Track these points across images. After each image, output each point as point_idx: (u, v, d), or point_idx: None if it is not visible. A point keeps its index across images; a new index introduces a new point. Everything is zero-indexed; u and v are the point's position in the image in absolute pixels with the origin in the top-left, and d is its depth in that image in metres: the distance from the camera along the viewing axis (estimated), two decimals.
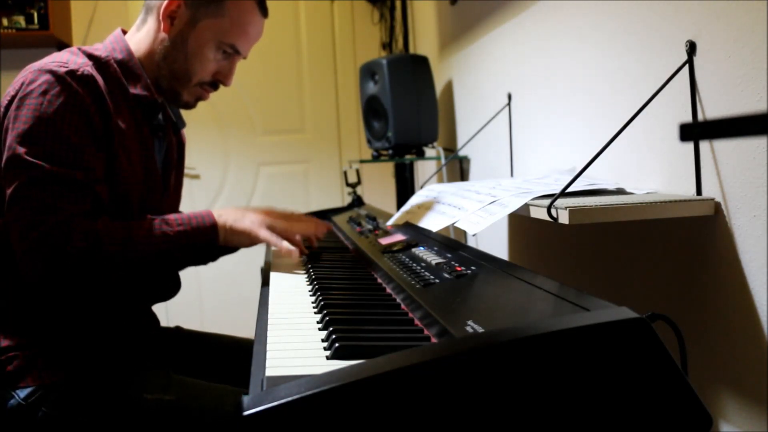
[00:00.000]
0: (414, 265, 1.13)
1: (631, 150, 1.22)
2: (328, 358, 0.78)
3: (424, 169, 2.91)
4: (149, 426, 1.10)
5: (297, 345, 0.84)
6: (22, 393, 1.10)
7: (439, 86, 2.53)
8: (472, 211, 1.16)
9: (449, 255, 1.15)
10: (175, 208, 1.44)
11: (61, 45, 2.90)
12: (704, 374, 1.06)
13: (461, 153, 2.25)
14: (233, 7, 1.26)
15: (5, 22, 2.75)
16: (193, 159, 3.28)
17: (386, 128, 2.30)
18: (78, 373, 1.14)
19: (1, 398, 1.10)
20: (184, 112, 1.45)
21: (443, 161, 2.30)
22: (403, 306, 1.00)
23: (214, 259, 1.51)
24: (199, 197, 3.34)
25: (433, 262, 1.11)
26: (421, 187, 1.78)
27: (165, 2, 1.25)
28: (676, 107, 1.08)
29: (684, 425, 0.63)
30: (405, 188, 2.90)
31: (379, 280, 1.19)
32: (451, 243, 1.26)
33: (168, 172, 1.39)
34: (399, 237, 1.41)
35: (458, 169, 2.36)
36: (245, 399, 0.57)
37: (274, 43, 3.33)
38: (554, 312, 0.74)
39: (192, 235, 1.19)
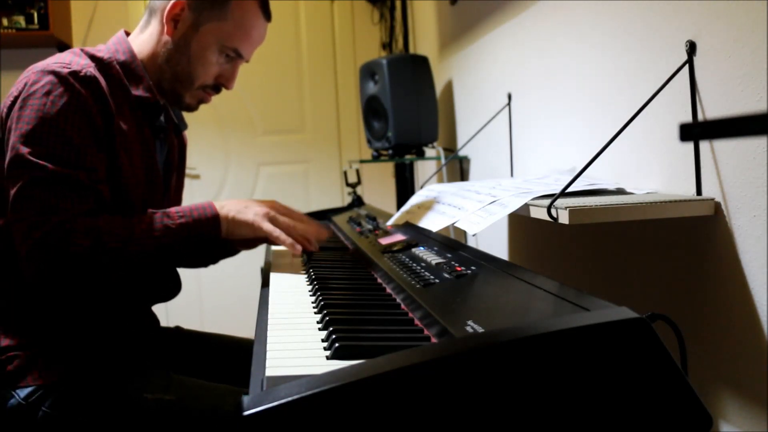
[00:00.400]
0: (414, 265, 1.13)
1: (631, 150, 1.22)
2: (328, 358, 0.78)
3: (424, 169, 2.91)
4: (149, 426, 1.10)
5: (297, 345, 0.84)
6: (23, 393, 1.10)
7: (439, 86, 2.53)
8: (472, 211, 1.16)
9: (449, 255, 1.15)
10: None
11: (61, 45, 2.90)
12: (704, 374, 1.06)
13: (461, 153, 2.25)
14: (237, 11, 1.26)
15: (5, 22, 2.75)
16: (193, 159, 3.28)
17: (386, 128, 2.30)
18: (78, 373, 1.15)
19: (2, 398, 1.10)
20: (184, 113, 1.45)
21: (443, 161, 2.30)
22: (403, 306, 0.99)
23: (214, 261, 1.51)
24: (200, 197, 3.33)
25: (433, 262, 1.11)
26: (421, 187, 1.78)
27: (169, 5, 1.24)
28: (676, 107, 1.08)
29: (684, 425, 0.63)
30: (405, 188, 2.90)
31: (379, 280, 1.19)
32: (451, 243, 1.26)
33: (169, 174, 1.39)
34: (399, 237, 1.41)
35: (458, 169, 2.36)
36: (245, 399, 0.57)
37: (274, 43, 3.32)
38: (554, 312, 0.74)
39: (194, 226, 1.18)
